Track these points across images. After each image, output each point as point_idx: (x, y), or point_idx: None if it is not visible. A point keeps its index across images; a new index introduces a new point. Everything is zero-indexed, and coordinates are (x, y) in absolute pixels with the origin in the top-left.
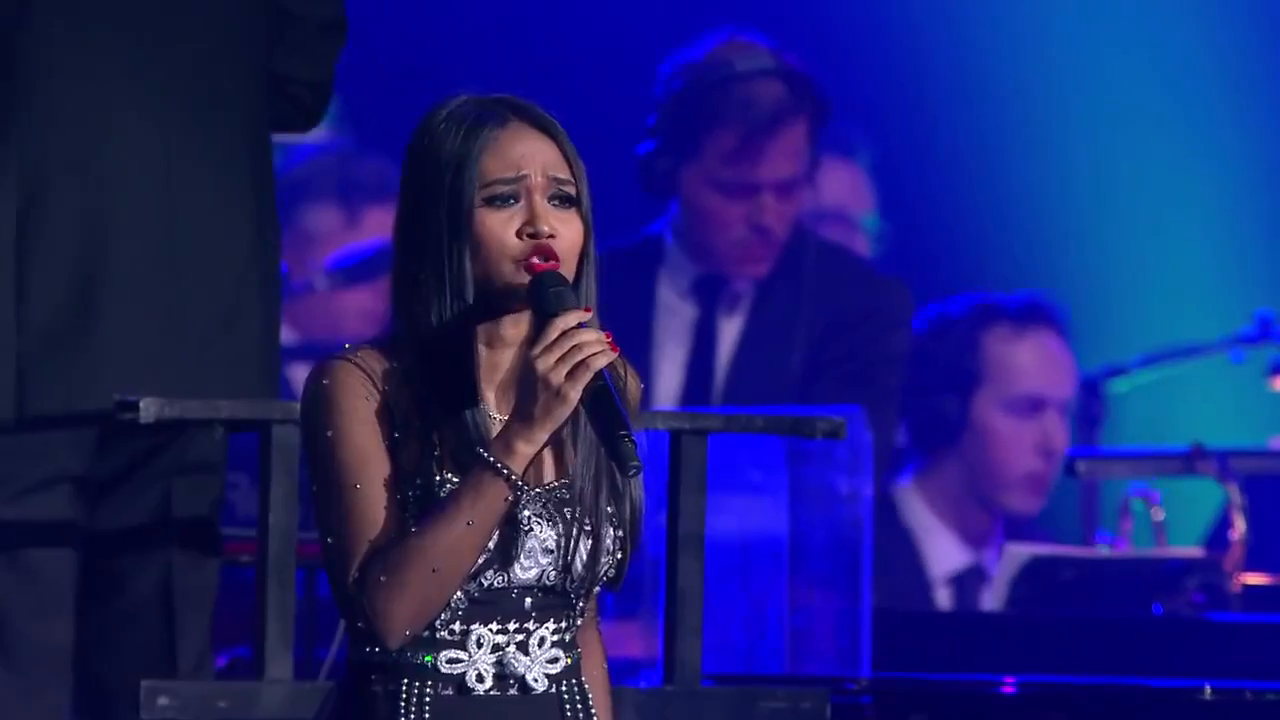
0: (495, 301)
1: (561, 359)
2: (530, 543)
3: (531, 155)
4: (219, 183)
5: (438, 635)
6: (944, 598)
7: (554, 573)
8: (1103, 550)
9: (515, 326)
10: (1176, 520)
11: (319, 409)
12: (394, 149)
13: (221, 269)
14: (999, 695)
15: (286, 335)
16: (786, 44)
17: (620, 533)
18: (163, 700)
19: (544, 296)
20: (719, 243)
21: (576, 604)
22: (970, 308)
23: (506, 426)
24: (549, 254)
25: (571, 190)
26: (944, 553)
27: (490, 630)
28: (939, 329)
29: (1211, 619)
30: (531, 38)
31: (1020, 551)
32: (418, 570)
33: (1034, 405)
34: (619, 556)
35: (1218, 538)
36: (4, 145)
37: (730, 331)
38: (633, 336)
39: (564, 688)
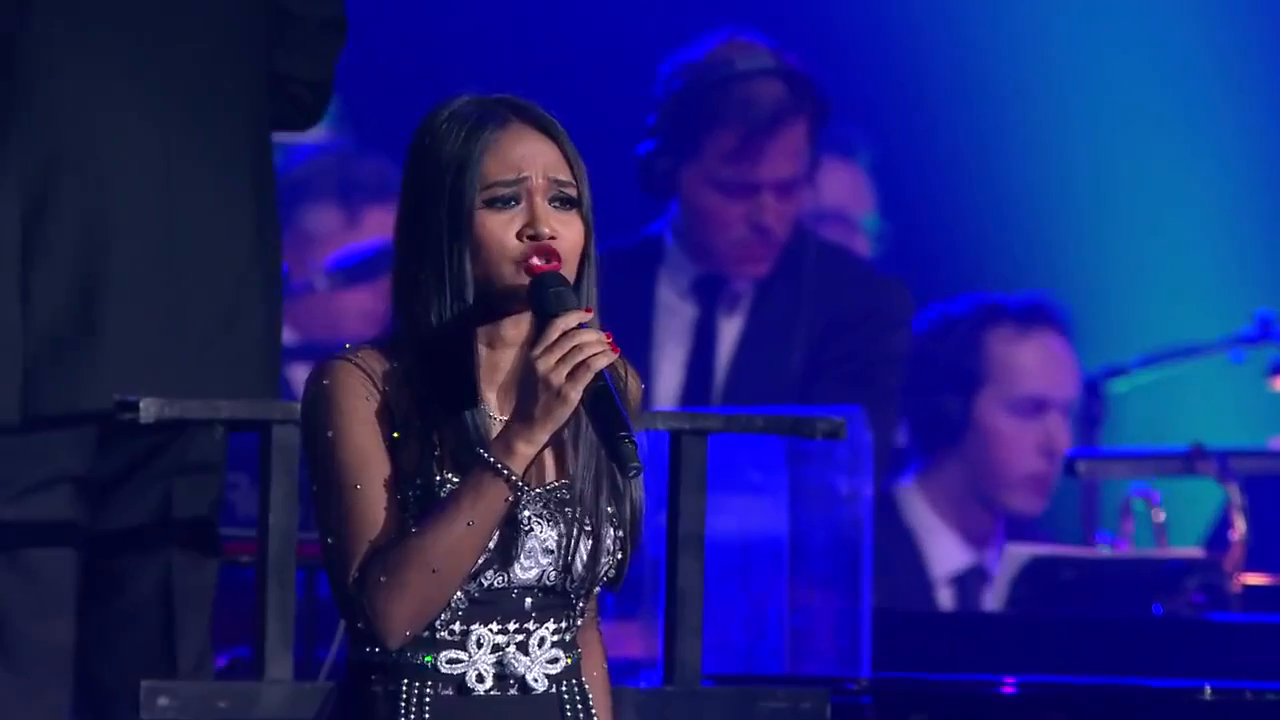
0: (496, 303)
1: (562, 359)
2: (530, 543)
3: (532, 157)
4: (219, 183)
5: (438, 635)
6: (946, 598)
7: (554, 573)
8: (1103, 550)
9: (516, 327)
10: (1176, 520)
11: (319, 409)
12: (394, 149)
13: (222, 269)
14: (999, 695)
15: (286, 335)
16: (786, 44)
17: (620, 533)
18: (163, 700)
19: (544, 297)
20: (719, 243)
21: (576, 604)
22: (973, 308)
23: (507, 427)
24: (549, 254)
25: (572, 192)
26: (946, 553)
27: (490, 630)
28: (942, 329)
29: (1211, 619)
30: (531, 38)
31: (1020, 552)
32: (418, 570)
33: (1037, 406)
34: (619, 557)
35: (1218, 538)
36: (4, 145)
37: (730, 331)
38: (633, 336)
39: (564, 688)
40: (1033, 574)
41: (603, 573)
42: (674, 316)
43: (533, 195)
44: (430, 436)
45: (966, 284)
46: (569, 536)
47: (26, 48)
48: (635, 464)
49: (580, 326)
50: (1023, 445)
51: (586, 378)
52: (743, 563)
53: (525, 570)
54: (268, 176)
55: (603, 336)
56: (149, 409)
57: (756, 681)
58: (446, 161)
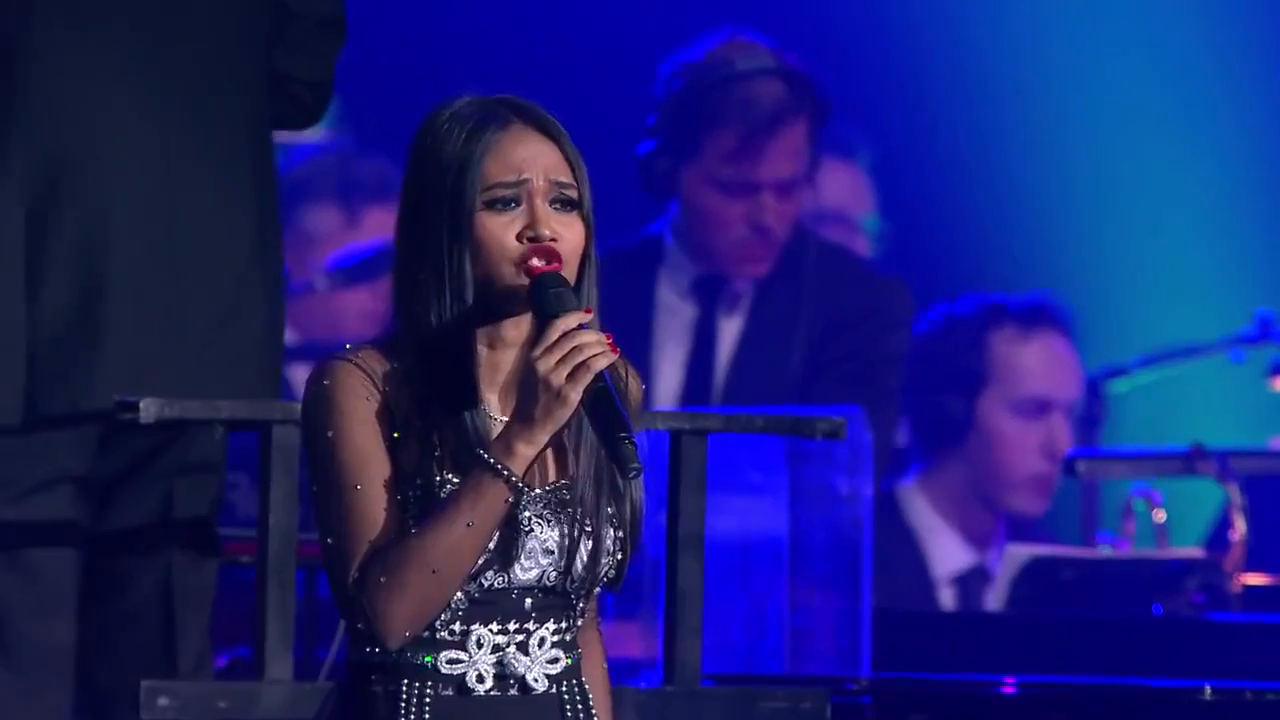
0: (496, 303)
1: (562, 360)
2: (531, 543)
3: (533, 158)
4: (219, 183)
5: (438, 636)
6: (947, 598)
7: (554, 573)
8: (1103, 550)
9: (516, 328)
10: (1177, 520)
11: (319, 409)
12: (394, 149)
13: (222, 269)
14: (999, 695)
15: (287, 335)
16: (786, 44)
17: (620, 533)
18: (163, 700)
19: (544, 298)
20: (719, 242)
21: (577, 604)
22: (976, 308)
23: (507, 428)
24: (550, 255)
25: (573, 193)
26: (948, 553)
27: (490, 631)
28: (944, 329)
29: (1212, 619)
30: (531, 38)
31: (1020, 552)
32: (418, 571)
33: (1040, 407)
34: (619, 557)
35: (1218, 538)
36: (4, 145)
37: (730, 331)
38: (633, 336)
39: (564, 688)
40: (1033, 574)
41: (603, 573)
42: (674, 316)
43: (533, 197)
44: (430, 437)
45: (966, 284)
46: (569, 537)
47: (27, 48)
48: (635, 465)
49: (580, 327)
50: (1025, 446)
51: (586, 379)
52: (743, 563)
53: (525, 571)
54: (268, 176)
55: (603, 337)
56: (149, 409)
57: (756, 681)
58: (447, 162)
